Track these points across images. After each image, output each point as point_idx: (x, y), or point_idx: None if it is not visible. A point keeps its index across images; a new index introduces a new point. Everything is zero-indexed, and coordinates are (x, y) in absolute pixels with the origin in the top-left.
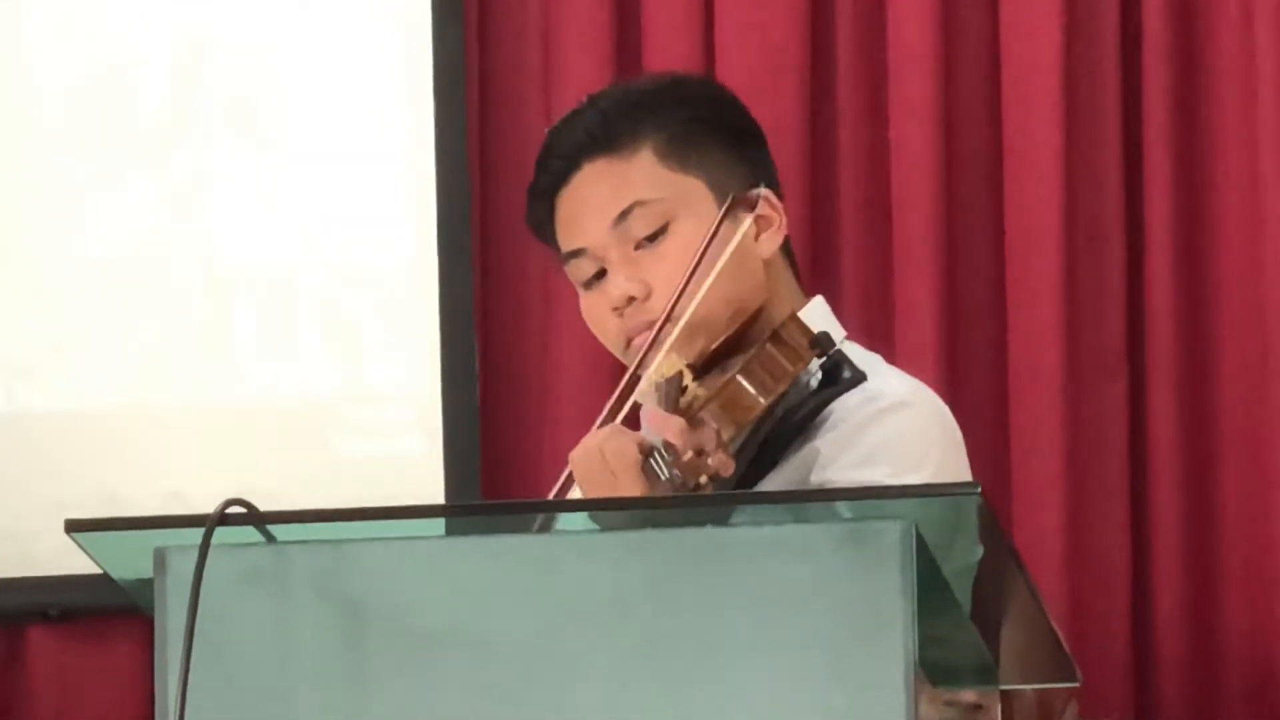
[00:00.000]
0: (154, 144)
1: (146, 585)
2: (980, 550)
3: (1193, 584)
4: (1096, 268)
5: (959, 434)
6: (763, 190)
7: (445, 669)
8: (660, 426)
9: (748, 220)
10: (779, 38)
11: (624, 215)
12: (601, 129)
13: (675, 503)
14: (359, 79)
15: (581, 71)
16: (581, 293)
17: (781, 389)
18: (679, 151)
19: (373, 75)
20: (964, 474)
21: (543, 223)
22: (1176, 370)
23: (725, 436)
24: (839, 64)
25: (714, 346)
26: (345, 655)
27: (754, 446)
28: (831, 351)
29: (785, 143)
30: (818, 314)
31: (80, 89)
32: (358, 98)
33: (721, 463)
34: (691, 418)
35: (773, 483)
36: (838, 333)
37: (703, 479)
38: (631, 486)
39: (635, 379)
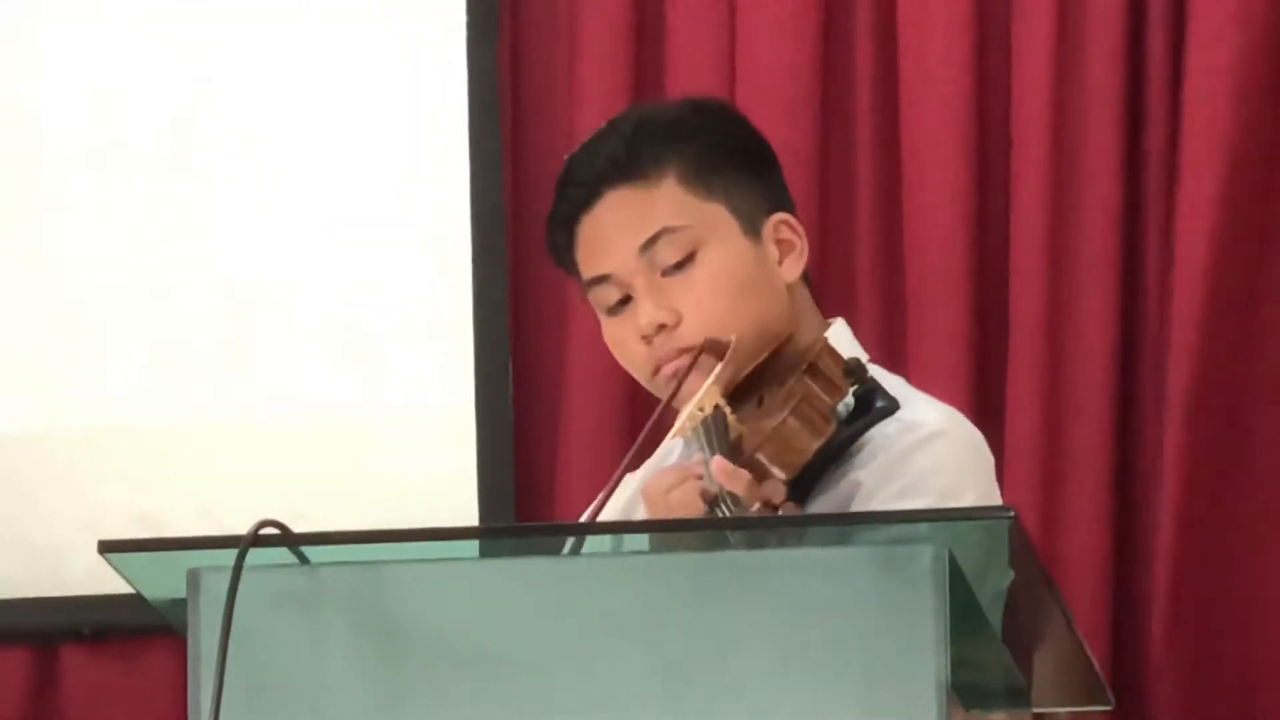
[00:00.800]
0: (187, 162)
1: (179, 606)
2: (1012, 574)
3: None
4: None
5: (992, 461)
6: (784, 215)
7: (479, 691)
8: (727, 478)
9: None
10: (798, 66)
11: (651, 241)
12: (625, 155)
13: (709, 525)
14: (393, 94)
15: (604, 96)
16: (605, 319)
17: (831, 429)
18: (703, 178)
19: (407, 91)
20: (997, 498)
21: (562, 249)
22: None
23: (783, 478)
24: (857, 94)
25: (745, 374)
26: (378, 677)
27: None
28: (866, 379)
29: (802, 172)
30: (843, 337)
31: (102, 105)
32: (392, 114)
33: (791, 509)
34: (753, 465)
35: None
36: (862, 357)
37: None
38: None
39: (672, 410)
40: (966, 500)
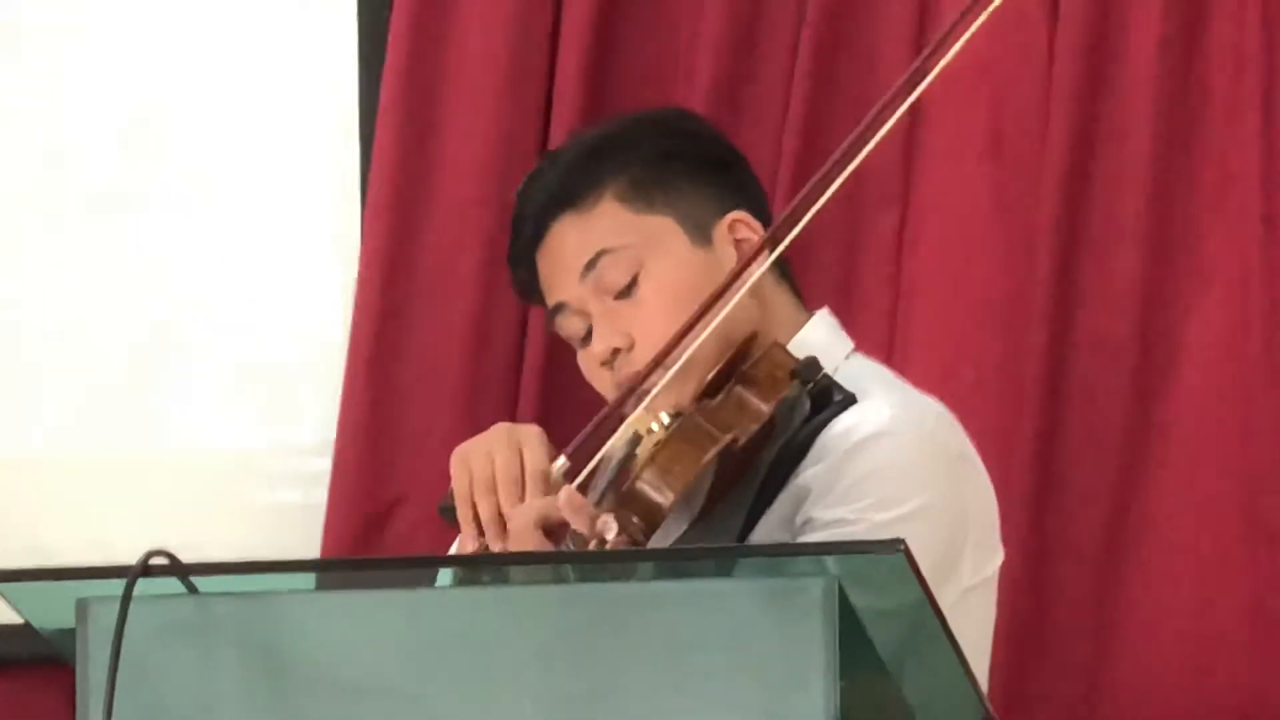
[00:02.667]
0: (79, 197)
1: (69, 635)
2: (903, 605)
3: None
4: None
5: (957, 451)
6: (738, 213)
7: None
8: (570, 514)
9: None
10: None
11: (591, 265)
12: (560, 186)
13: (600, 558)
14: (291, 128)
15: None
16: (579, 350)
17: (728, 438)
18: (643, 192)
19: (305, 123)
20: (966, 495)
21: (528, 285)
22: None
23: (667, 501)
24: None
25: (709, 379)
26: (268, 708)
27: (755, 484)
28: (818, 378)
29: None
30: (819, 331)
31: (17, 146)
32: (284, 153)
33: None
34: (621, 493)
35: (767, 519)
36: (843, 347)
37: None
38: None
39: (605, 429)
40: (910, 504)
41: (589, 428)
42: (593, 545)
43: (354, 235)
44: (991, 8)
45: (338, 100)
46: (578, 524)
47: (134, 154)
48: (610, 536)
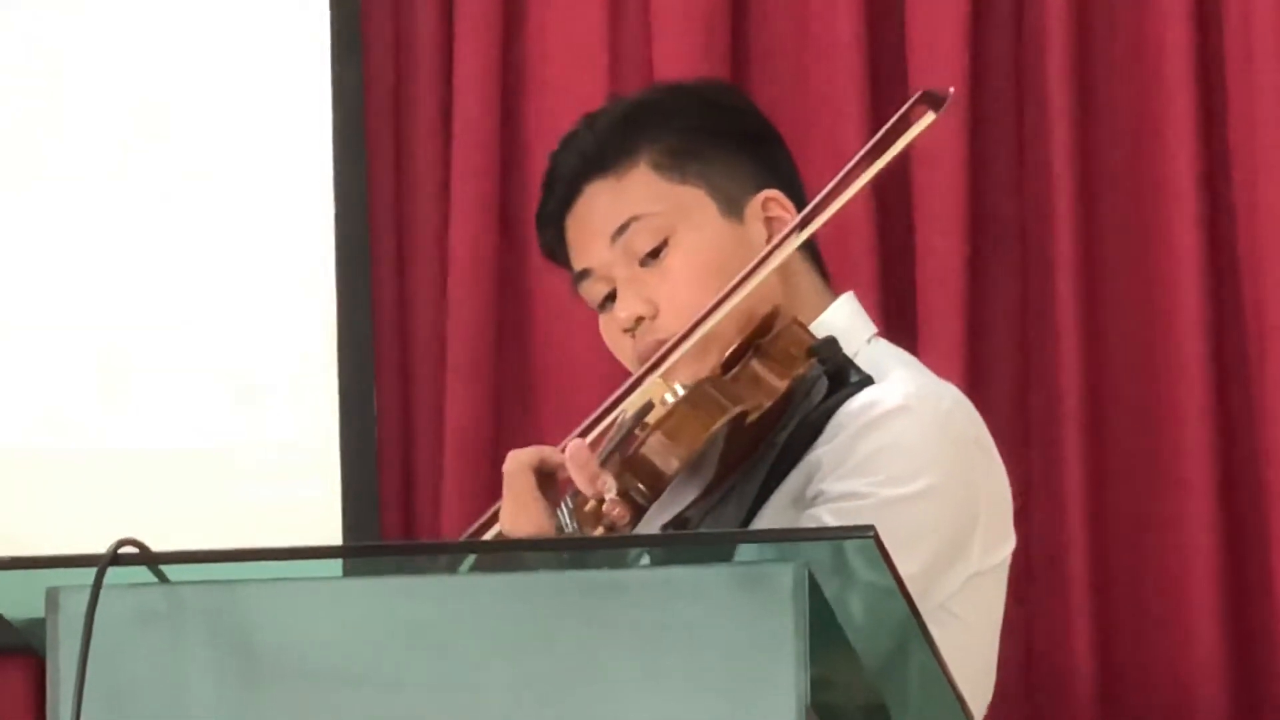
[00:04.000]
0: (53, 188)
1: (39, 625)
2: (875, 591)
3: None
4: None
5: (972, 435)
6: (772, 191)
7: (338, 710)
8: (574, 470)
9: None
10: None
11: (621, 230)
12: (595, 150)
13: (570, 545)
14: (258, 127)
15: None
16: (600, 314)
17: (737, 409)
18: (677, 162)
19: (272, 123)
20: (977, 480)
21: (554, 247)
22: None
23: (671, 467)
24: None
25: (730, 352)
26: (238, 696)
27: (769, 460)
28: (836, 356)
29: None
30: (845, 311)
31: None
32: (256, 147)
33: (617, 514)
34: (626, 455)
35: (780, 494)
36: (865, 331)
37: (597, 531)
38: (530, 530)
39: (616, 403)
40: (920, 482)
41: (604, 404)
42: (590, 505)
43: (329, 235)
44: None
45: (311, 96)
46: (578, 477)
47: (107, 148)
48: (610, 496)
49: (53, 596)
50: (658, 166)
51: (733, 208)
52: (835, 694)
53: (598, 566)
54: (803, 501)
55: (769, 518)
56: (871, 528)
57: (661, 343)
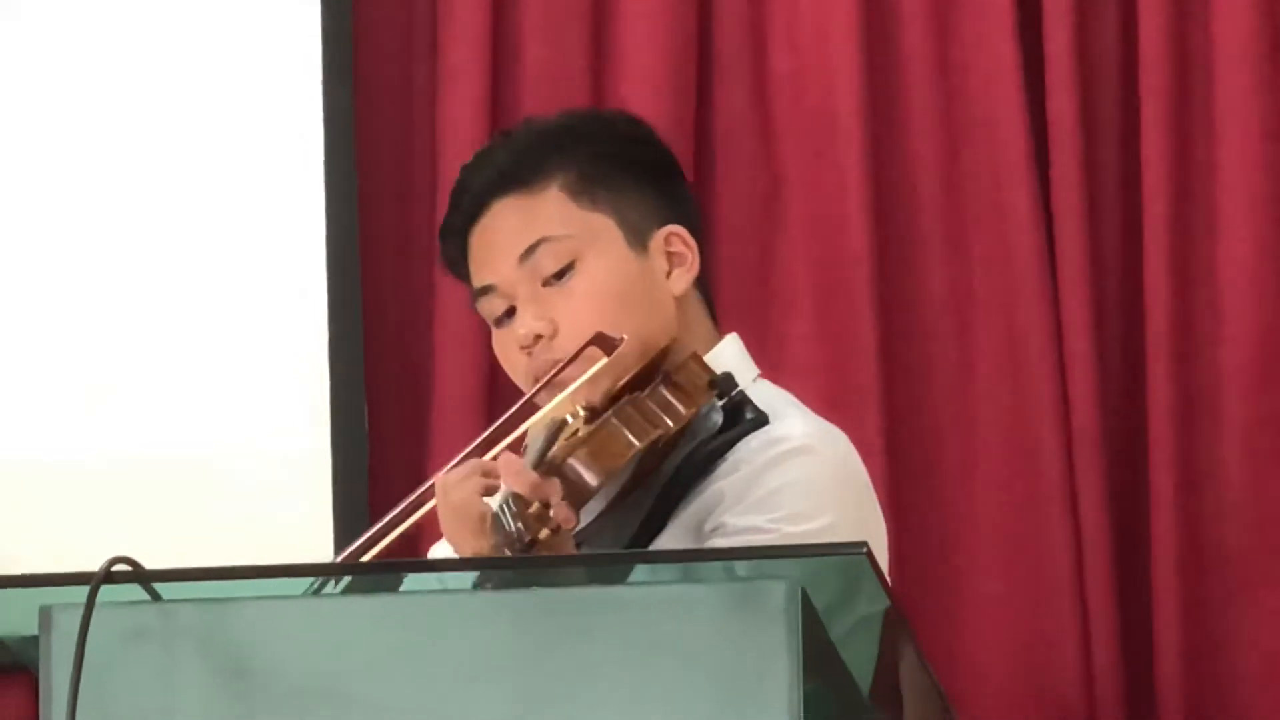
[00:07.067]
0: (51, 203)
1: (31, 643)
2: (866, 609)
3: None
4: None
5: (864, 479)
6: (676, 227)
7: None
8: (505, 473)
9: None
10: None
11: (530, 251)
12: (511, 165)
13: (563, 562)
14: (249, 134)
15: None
16: (494, 330)
17: (658, 433)
18: (588, 188)
19: (262, 130)
20: (867, 520)
21: (456, 261)
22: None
23: (593, 482)
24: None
25: (620, 385)
26: (229, 713)
27: (657, 488)
28: (733, 393)
29: None
30: (731, 352)
31: None
32: (247, 152)
33: (564, 516)
34: (553, 466)
35: (676, 524)
36: (750, 371)
37: (543, 533)
38: (475, 538)
39: (518, 417)
40: (823, 520)
41: (498, 423)
42: (534, 507)
43: (320, 245)
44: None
45: (301, 102)
46: (519, 484)
47: (103, 157)
48: (555, 499)
49: (46, 615)
50: (570, 190)
51: (638, 239)
52: (828, 710)
53: (584, 583)
54: (701, 532)
55: (667, 545)
56: (864, 544)
57: (556, 362)
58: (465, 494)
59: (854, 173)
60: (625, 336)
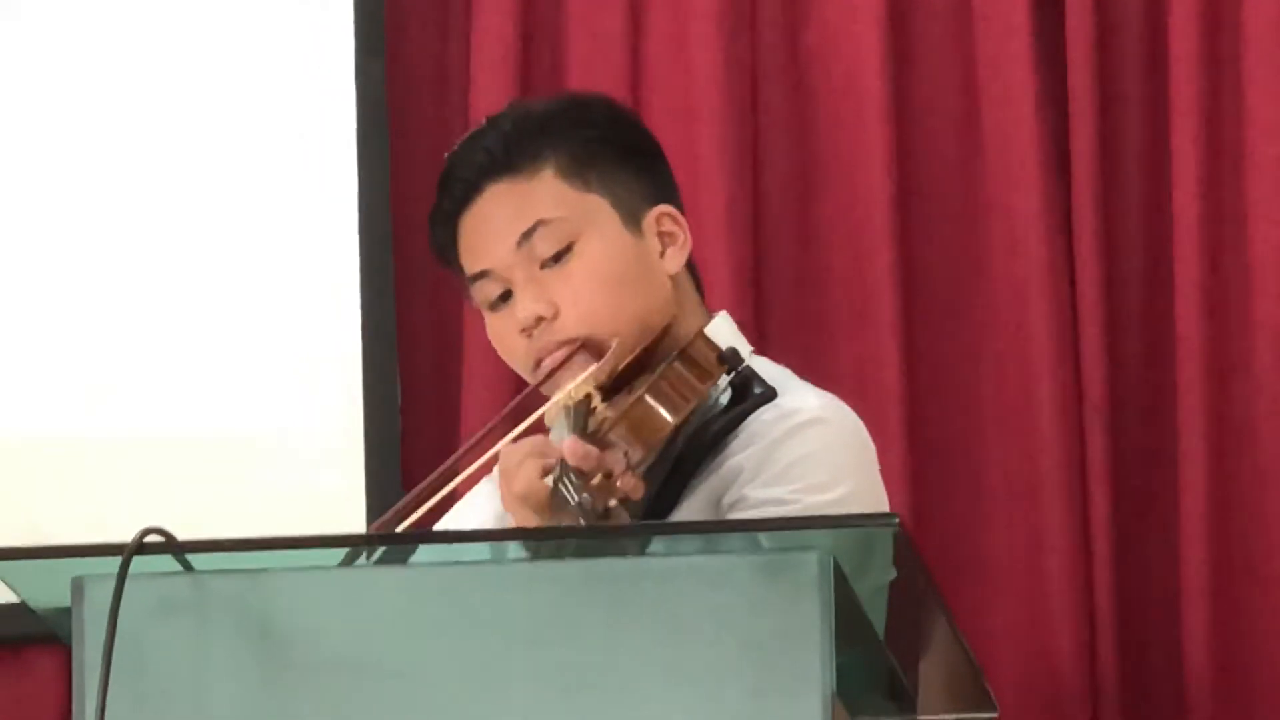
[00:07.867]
0: (90, 179)
1: (64, 614)
2: (894, 571)
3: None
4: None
5: (873, 450)
6: (666, 207)
7: (361, 698)
8: (569, 452)
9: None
10: (699, 70)
11: (528, 235)
12: (502, 150)
13: (593, 534)
14: (281, 117)
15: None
16: (487, 315)
17: (691, 407)
18: (580, 170)
19: (294, 113)
20: (878, 490)
21: (446, 247)
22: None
23: (635, 458)
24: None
25: (622, 366)
26: (262, 684)
27: (667, 464)
28: (741, 368)
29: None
30: (725, 329)
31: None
32: (279, 135)
33: (631, 485)
34: (600, 441)
35: (692, 499)
36: (744, 348)
37: (612, 502)
38: (541, 518)
39: (539, 397)
40: (840, 489)
41: (498, 417)
42: (598, 479)
43: (353, 223)
44: None
45: (335, 85)
46: (584, 462)
47: (141, 141)
48: (618, 470)
49: (78, 586)
50: (563, 173)
51: (633, 220)
52: (860, 682)
53: (621, 553)
54: (720, 506)
55: (686, 519)
56: (896, 515)
57: (561, 343)
58: (528, 478)
59: (878, 145)
60: (615, 343)
